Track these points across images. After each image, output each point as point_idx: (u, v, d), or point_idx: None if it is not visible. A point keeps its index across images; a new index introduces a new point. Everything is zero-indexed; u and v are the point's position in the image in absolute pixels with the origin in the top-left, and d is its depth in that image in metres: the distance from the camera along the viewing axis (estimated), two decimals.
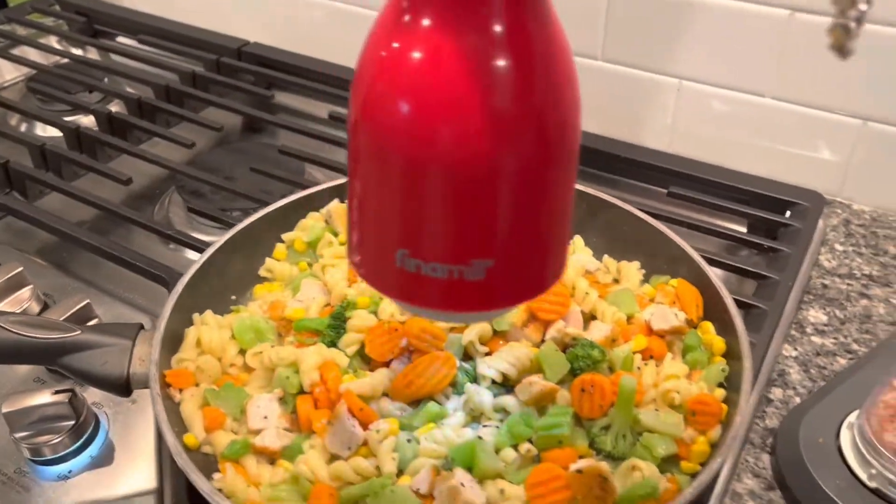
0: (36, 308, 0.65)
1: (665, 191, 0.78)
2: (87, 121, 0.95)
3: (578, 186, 0.64)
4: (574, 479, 0.43)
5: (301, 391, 0.51)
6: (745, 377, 0.47)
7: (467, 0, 0.27)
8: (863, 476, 0.53)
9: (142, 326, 0.53)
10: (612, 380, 0.49)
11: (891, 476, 0.51)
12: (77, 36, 1.12)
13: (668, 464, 0.47)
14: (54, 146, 0.85)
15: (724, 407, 0.48)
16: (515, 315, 0.53)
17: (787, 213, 0.75)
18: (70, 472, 0.55)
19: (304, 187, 0.67)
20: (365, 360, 0.53)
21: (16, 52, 1.08)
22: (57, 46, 1.11)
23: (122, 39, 1.15)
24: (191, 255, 0.76)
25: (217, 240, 0.60)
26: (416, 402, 0.51)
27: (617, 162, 0.84)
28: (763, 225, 0.74)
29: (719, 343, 0.52)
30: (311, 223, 0.63)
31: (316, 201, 0.65)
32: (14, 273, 0.64)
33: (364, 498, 0.44)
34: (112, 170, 0.81)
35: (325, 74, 0.98)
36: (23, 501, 0.54)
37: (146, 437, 0.58)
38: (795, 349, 0.67)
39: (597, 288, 0.57)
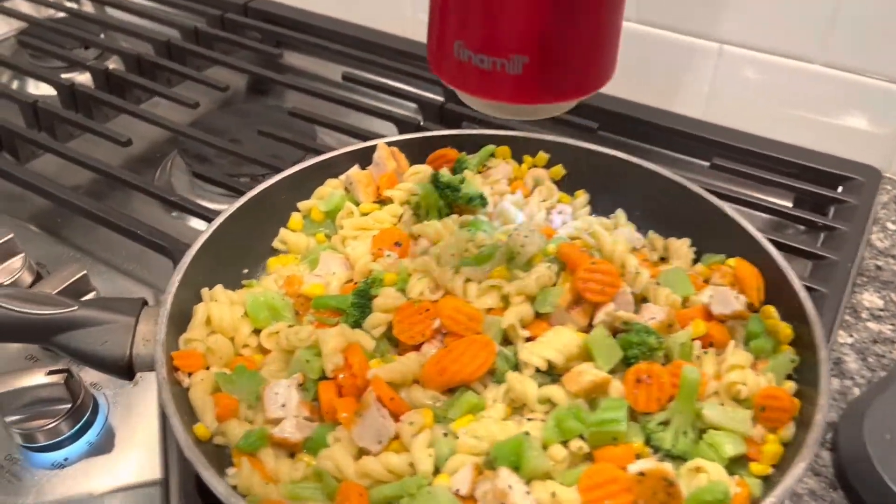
0: (28, 278, 0.60)
1: (705, 163, 0.72)
2: (83, 78, 0.88)
3: (619, 154, 0.60)
4: (635, 482, 0.38)
5: (323, 377, 0.45)
6: (823, 369, 0.42)
7: None
8: None
9: (145, 302, 0.48)
10: (670, 370, 0.44)
11: None
12: None
13: (735, 465, 0.42)
14: (47, 104, 0.79)
15: (797, 402, 0.43)
16: (560, 296, 0.48)
17: (840, 189, 0.69)
18: (66, 459, 0.50)
19: (317, 152, 0.62)
20: (393, 342, 0.48)
21: (7, 4, 1.02)
22: None
23: None
24: (195, 223, 0.70)
25: (226, 207, 0.54)
26: (450, 392, 0.46)
27: (652, 130, 0.78)
28: (811, 200, 0.69)
29: (786, 330, 0.47)
30: (330, 191, 0.58)
31: (334, 167, 0.60)
32: (4, 240, 0.59)
33: (398, 499, 0.39)
34: (110, 130, 0.75)
35: (337, 33, 0.92)
36: (14, 491, 0.49)
37: (149, 421, 0.53)
38: (851, 336, 0.62)
39: (646, 266, 0.52)
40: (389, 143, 0.60)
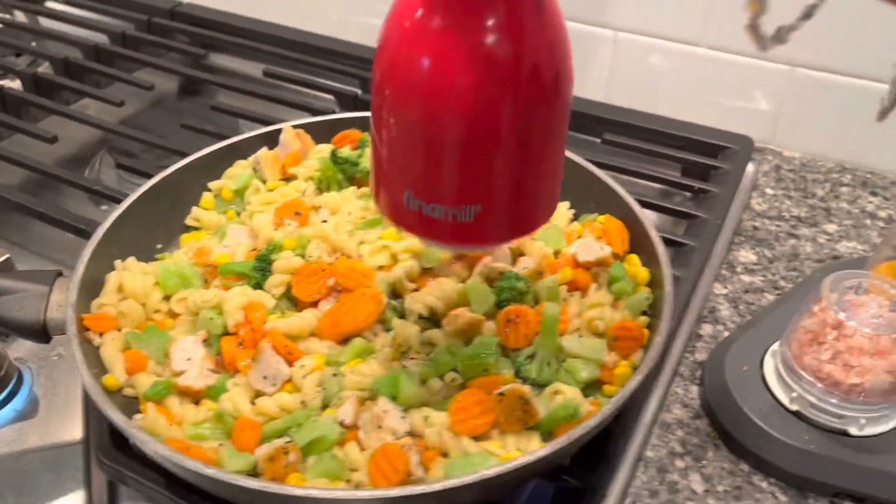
0: None
1: (599, 140, 0.78)
2: (14, 84, 0.92)
3: None
4: (496, 402, 0.43)
5: (226, 332, 0.50)
6: (667, 301, 0.48)
7: None
8: (784, 400, 0.54)
9: (60, 273, 0.52)
10: (536, 310, 0.49)
11: (810, 398, 0.53)
12: None
13: (592, 389, 0.47)
14: None
15: (646, 332, 0.49)
16: (443, 252, 0.53)
17: (718, 158, 0.76)
18: None
19: None
20: (293, 301, 0.53)
21: None
22: None
23: (50, 4, 1.12)
24: None
25: (139, 187, 0.58)
26: (344, 342, 0.50)
27: None
28: (696, 169, 0.75)
29: (644, 273, 0.53)
30: (239, 171, 0.62)
31: (243, 150, 0.64)
32: None
33: (287, 430, 0.44)
34: (36, 129, 0.79)
35: (258, 33, 0.96)
36: None
37: (73, 392, 0.57)
38: (725, 287, 0.68)
39: None
40: (295, 126, 0.65)
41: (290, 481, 0.41)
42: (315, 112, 0.81)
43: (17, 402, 0.55)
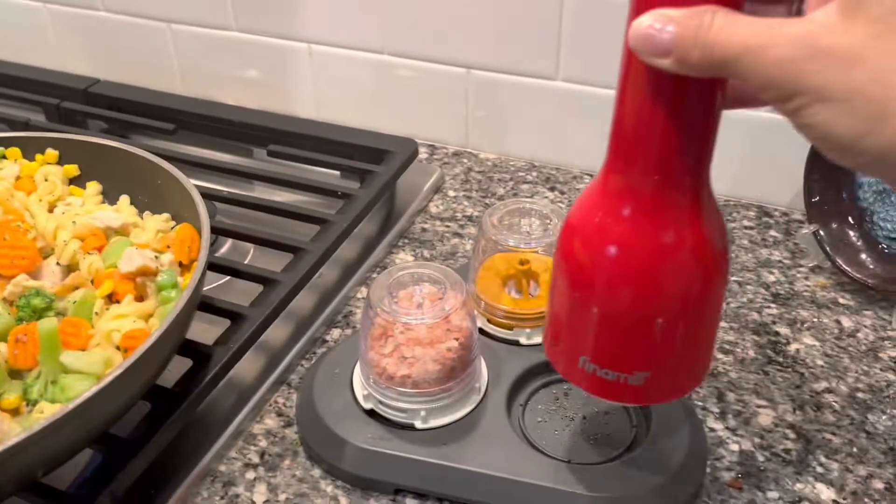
0: None
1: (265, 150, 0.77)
2: None
3: (112, 143, 0.63)
4: None
5: None
6: (177, 304, 0.45)
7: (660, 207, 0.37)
8: (360, 399, 0.53)
9: None
10: None
11: (376, 395, 0.51)
12: None
13: None
14: None
15: None
16: None
17: (382, 162, 0.75)
18: None
19: None
20: None
21: None
22: None
23: None
24: None
25: None
26: None
27: (214, 124, 0.83)
28: (356, 175, 0.75)
29: (187, 280, 0.50)
30: None
31: None
32: None
33: None
34: None
35: None
36: None
37: None
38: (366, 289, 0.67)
39: (94, 241, 0.54)
40: None
41: None
42: None
43: None
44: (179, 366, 0.52)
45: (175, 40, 0.93)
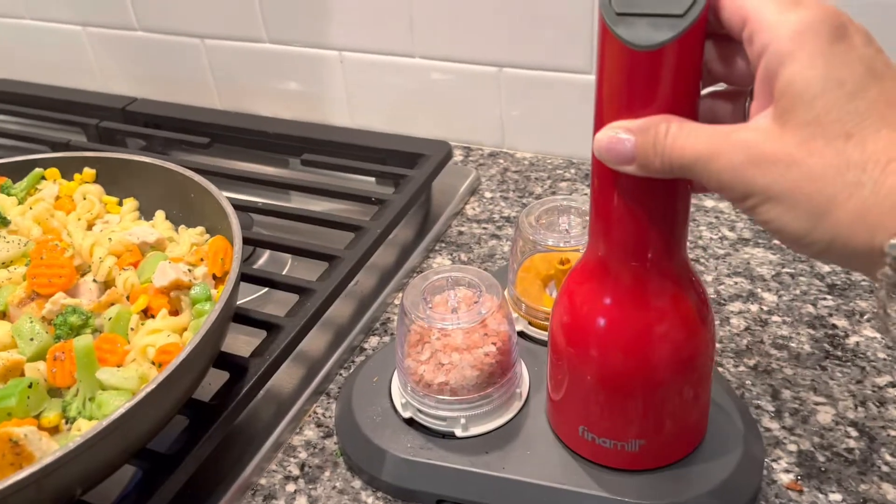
0: None
1: (299, 160, 0.77)
2: None
3: (145, 159, 0.63)
4: None
5: None
6: (210, 316, 0.45)
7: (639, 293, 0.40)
8: (399, 407, 0.52)
9: None
10: None
11: (415, 403, 0.50)
12: None
13: None
14: None
15: None
16: (11, 293, 0.50)
17: (416, 167, 0.74)
18: None
19: None
20: None
21: None
22: None
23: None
24: None
25: None
26: None
27: (251, 136, 0.83)
28: (391, 180, 0.74)
29: (220, 292, 0.50)
30: None
31: None
32: None
33: None
34: None
35: None
36: None
37: None
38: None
39: (129, 257, 0.54)
40: None
41: None
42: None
43: None
44: (217, 379, 0.52)
45: (209, 55, 0.94)
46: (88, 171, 0.64)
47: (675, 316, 0.41)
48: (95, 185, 0.64)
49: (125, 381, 0.44)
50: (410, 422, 0.51)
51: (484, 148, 0.86)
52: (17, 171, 0.65)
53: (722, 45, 0.34)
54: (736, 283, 0.63)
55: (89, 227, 0.61)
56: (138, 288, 0.52)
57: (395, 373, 0.53)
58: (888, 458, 0.48)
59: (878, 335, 0.57)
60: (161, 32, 0.95)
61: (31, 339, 0.47)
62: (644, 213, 0.37)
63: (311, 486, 0.50)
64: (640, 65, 0.33)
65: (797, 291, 0.61)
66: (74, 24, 1.00)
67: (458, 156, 0.84)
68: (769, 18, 0.30)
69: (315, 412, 0.56)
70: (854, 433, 0.50)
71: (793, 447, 0.49)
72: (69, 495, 0.41)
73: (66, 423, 0.45)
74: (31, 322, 0.47)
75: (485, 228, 0.73)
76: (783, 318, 0.59)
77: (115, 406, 0.43)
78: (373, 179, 0.78)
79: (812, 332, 0.58)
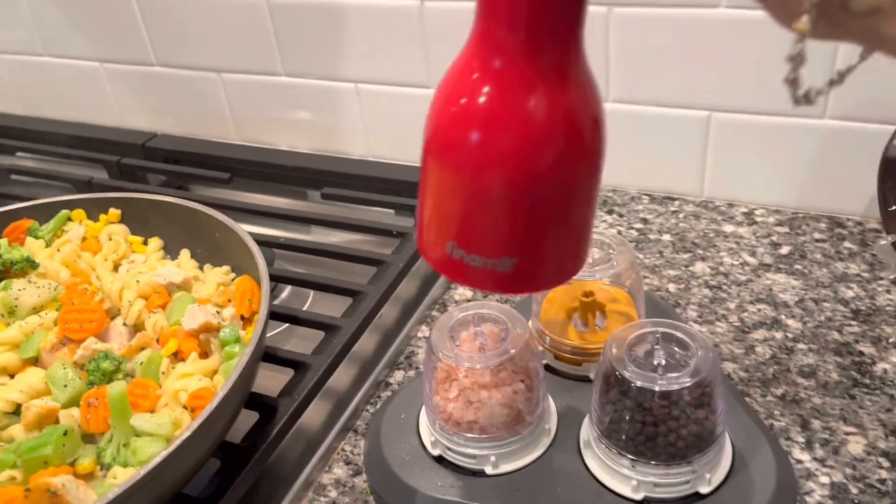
0: None
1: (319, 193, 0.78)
2: None
3: (171, 199, 0.64)
4: (23, 497, 0.41)
5: None
6: (241, 360, 0.45)
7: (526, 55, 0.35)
8: (428, 445, 0.52)
9: None
10: None
11: (444, 441, 0.50)
12: None
13: None
14: None
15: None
16: (43, 339, 0.51)
17: None
18: None
19: None
20: None
21: None
22: None
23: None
24: None
25: None
26: None
27: (273, 170, 0.84)
28: (409, 212, 0.74)
29: (250, 333, 0.51)
30: None
31: None
32: None
33: None
34: None
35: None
36: None
37: None
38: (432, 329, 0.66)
39: (157, 299, 0.55)
40: None
41: None
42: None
43: None
44: (247, 418, 0.52)
45: (226, 89, 0.95)
46: (114, 212, 0.65)
47: (565, 110, 0.36)
48: (121, 224, 0.65)
49: (159, 428, 0.44)
50: (440, 459, 0.51)
51: None
52: (43, 213, 0.66)
53: None
54: (759, 309, 0.63)
55: (115, 268, 0.62)
56: (168, 331, 0.52)
57: (423, 409, 0.53)
58: None
59: None
60: (178, 67, 0.96)
61: (65, 386, 0.47)
62: None
63: None
64: None
65: (822, 318, 0.61)
66: (92, 60, 1.02)
67: None
68: None
69: (343, 449, 0.56)
70: (886, 463, 0.49)
71: (825, 479, 0.49)
72: None
73: (101, 469, 0.45)
74: (65, 368, 0.48)
75: None
76: (809, 345, 0.59)
77: (150, 453, 0.44)
78: (392, 211, 0.79)
79: (839, 359, 0.57)
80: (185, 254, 0.63)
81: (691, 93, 0.72)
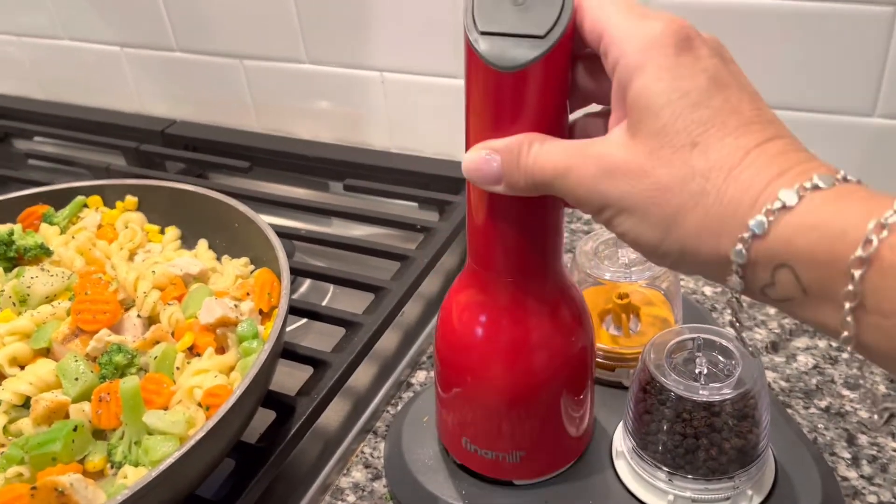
0: None
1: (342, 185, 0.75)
2: None
3: (189, 188, 0.62)
4: (30, 496, 0.39)
5: None
6: (259, 357, 0.43)
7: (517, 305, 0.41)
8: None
9: None
10: None
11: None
12: None
13: None
14: None
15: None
16: (55, 330, 0.49)
17: (461, 192, 0.72)
18: None
19: None
20: None
21: None
22: None
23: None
24: None
25: None
26: None
27: (288, 159, 0.82)
28: (434, 205, 0.72)
29: (268, 329, 0.48)
30: None
31: None
32: None
33: None
34: None
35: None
36: None
37: None
38: None
39: (173, 290, 0.53)
40: None
41: None
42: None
43: None
44: (263, 416, 0.50)
45: (248, 76, 0.93)
46: (131, 199, 0.63)
47: (551, 328, 0.41)
48: (137, 212, 0.63)
49: (172, 426, 0.42)
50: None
51: None
52: (59, 199, 0.64)
53: (591, 64, 0.34)
54: None
55: (131, 257, 0.60)
56: (183, 324, 0.50)
57: None
58: None
59: None
60: (200, 53, 0.94)
61: (77, 379, 0.45)
62: (517, 230, 0.38)
63: None
64: (505, 84, 0.33)
65: None
66: (113, 44, 1.00)
67: None
68: (620, 33, 0.31)
69: (362, 452, 0.54)
70: None
71: (873, 498, 0.46)
72: None
73: (112, 467, 0.43)
74: (77, 361, 0.46)
75: None
76: (853, 354, 0.56)
77: (163, 452, 0.42)
78: (415, 205, 0.76)
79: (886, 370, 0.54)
80: (202, 244, 0.61)
81: None
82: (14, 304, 0.51)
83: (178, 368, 0.47)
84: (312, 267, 0.64)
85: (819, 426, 0.51)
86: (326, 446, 0.53)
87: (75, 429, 0.43)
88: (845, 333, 0.27)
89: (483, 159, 0.34)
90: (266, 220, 0.56)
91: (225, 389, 0.44)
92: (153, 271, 0.53)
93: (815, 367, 0.55)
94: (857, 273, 0.26)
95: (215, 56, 0.93)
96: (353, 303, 0.61)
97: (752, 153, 0.29)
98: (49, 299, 0.52)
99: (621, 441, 0.48)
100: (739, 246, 0.28)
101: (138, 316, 0.51)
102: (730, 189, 0.28)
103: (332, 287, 0.69)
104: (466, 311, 0.42)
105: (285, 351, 0.54)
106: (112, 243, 0.60)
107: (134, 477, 0.41)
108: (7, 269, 0.56)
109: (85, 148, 0.91)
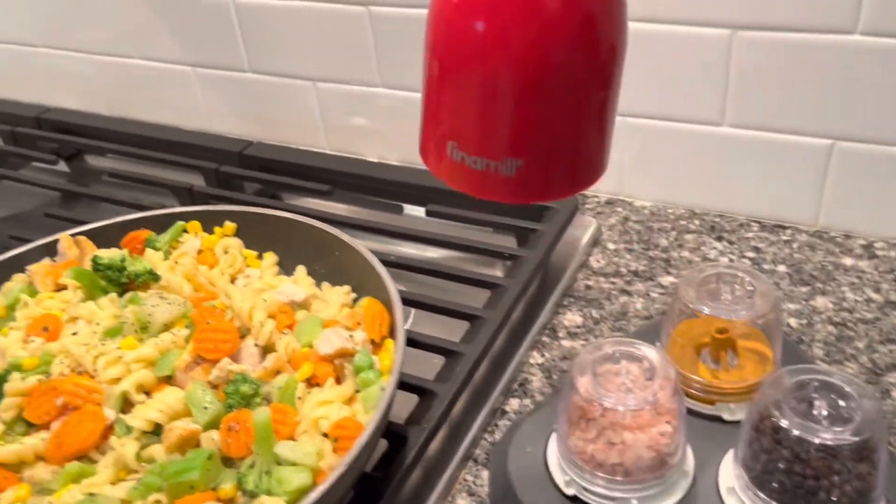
0: None
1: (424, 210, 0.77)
2: None
3: (287, 215, 0.63)
4: None
5: None
6: (386, 393, 0.45)
7: None
8: (560, 484, 0.50)
9: None
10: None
11: (581, 482, 0.49)
12: None
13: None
14: None
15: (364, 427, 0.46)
16: (178, 358, 0.50)
17: (543, 220, 0.73)
18: None
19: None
20: (32, 425, 0.50)
21: None
22: None
23: None
24: None
25: None
26: None
27: (379, 185, 0.83)
28: (511, 231, 0.73)
29: (386, 360, 0.50)
30: (13, 285, 0.61)
31: (28, 261, 0.63)
32: None
33: None
34: None
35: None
36: None
37: None
38: (543, 356, 0.64)
39: (284, 319, 0.54)
40: (76, 234, 0.63)
41: None
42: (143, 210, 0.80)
43: None
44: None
45: (319, 98, 0.94)
46: (229, 225, 0.65)
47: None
48: (235, 238, 0.65)
49: (305, 457, 0.44)
50: (574, 500, 0.50)
51: (600, 195, 0.84)
52: (157, 224, 0.66)
53: None
54: (891, 350, 0.61)
55: (231, 282, 0.61)
56: (298, 353, 0.51)
57: (550, 444, 0.52)
58: None
59: None
60: (272, 74, 0.96)
61: (205, 408, 0.47)
62: None
63: None
64: None
65: None
66: (184, 64, 1.02)
67: None
68: None
69: (464, 480, 0.55)
70: None
71: None
72: None
73: (243, 495, 0.45)
74: (203, 390, 0.48)
75: (613, 283, 0.72)
76: None
77: (298, 483, 0.43)
78: (490, 230, 0.77)
79: None
80: (301, 270, 0.62)
81: (815, 120, 0.70)
82: (136, 331, 0.52)
83: (299, 398, 0.48)
84: (408, 294, 0.65)
85: None
86: (428, 473, 0.54)
87: (209, 457, 0.44)
88: None
89: None
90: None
91: (353, 422, 0.45)
92: (264, 300, 0.54)
93: None
94: None
95: (287, 78, 0.95)
96: (434, 328, 0.62)
97: None
98: (167, 326, 0.53)
99: (731, 476, 0.48)
100: None
101: (255, 345, 0.52)
102: None
103: (412, 311, 0.70)
104: None
105: None
106: (213, 269, 0.61)
107: None
108: (119, 295, 0.58)
109: (159, 166, 0.93)
